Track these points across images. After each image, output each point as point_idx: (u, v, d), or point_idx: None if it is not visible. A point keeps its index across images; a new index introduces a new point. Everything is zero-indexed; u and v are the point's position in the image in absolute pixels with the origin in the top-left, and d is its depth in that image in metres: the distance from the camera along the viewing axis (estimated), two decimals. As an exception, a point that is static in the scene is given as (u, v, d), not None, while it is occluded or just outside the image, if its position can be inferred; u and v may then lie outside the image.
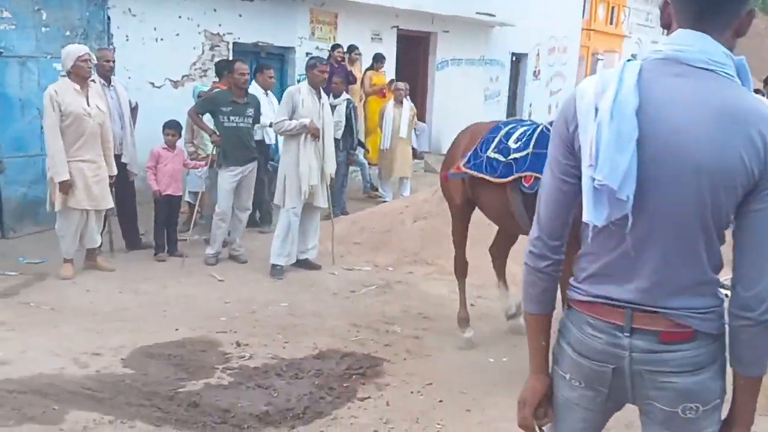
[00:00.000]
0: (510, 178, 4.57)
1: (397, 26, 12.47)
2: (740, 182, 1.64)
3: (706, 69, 1.66)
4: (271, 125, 7.23)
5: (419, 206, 7.90)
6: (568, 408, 1.94)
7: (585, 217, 1.74)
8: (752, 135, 1.61)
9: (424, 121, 13.40)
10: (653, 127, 1.66)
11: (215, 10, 9.72)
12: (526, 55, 16.65)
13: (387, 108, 10.12)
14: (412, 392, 4.38)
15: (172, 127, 7.11)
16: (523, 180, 4.53)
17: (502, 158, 4.65)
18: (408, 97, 12.34)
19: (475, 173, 4.82)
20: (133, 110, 7.16)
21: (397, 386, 4.46)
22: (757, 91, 7.87)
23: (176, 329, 5.22)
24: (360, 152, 10.18)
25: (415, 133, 12.48)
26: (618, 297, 1.79)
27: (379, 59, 11.52)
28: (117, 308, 5.65)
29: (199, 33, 9.63)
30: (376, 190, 10.58)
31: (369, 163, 10.87)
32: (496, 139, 4.75)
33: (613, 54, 25.33)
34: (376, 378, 4.57)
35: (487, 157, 4.74)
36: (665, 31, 1.81)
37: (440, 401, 4.27)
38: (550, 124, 4.65)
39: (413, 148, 12.63)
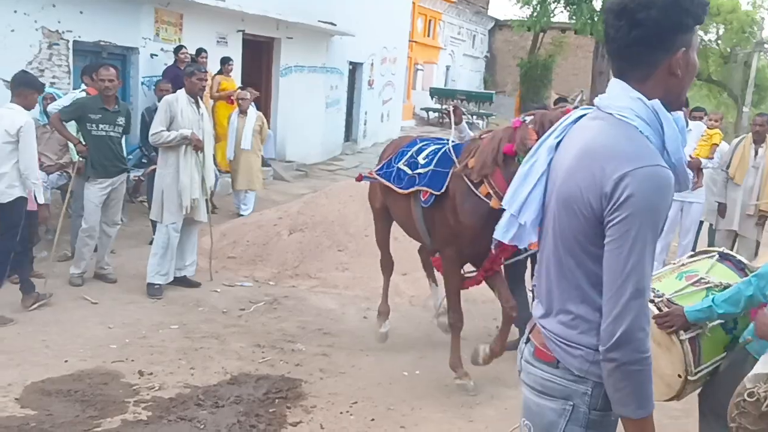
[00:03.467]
0: (410, 190, 4.79)
1: (243, 30, 12.18)
2: (578, 209, 1.75)
3: (609, 113, 1.80)
4: None
5: (294, 218, 7.80)
6: None
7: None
8: (594, 169, 1.72)
9: (269, 128, 13.20)
10: (555, 164, 1.90)
11: (54, 6, 8.89)
12: (362, 64, 16.96)
13: (232, 117, 9.80)
14: (341, 413, 4.34)
15: (29, 135, 6.42)
16: (420, 194, 4.73)
17: (409, 171, 4.87)
18: (253, 103, 12.15)
19: (384, 182, 5.05)
20: None
21: (325, 407, 4.40)
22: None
23: (65, 360, 4.76)
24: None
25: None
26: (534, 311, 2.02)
27: (227, 62, 11.20)
28: (-13, 340, 5.03)
29: (36, 30, 8.75)
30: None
31: (220, 171, 10.48)
32: (409, 153, 4.96)
33: (432, 65, 26.59)
34: (299, 400, 4.48)
35: (398, 168, 4.95)
36: None
37: (372, 420, 4.27)
38: (454, 145, 4.90)
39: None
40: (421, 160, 4.91)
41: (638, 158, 1.68)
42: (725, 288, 3.18)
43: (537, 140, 4.26)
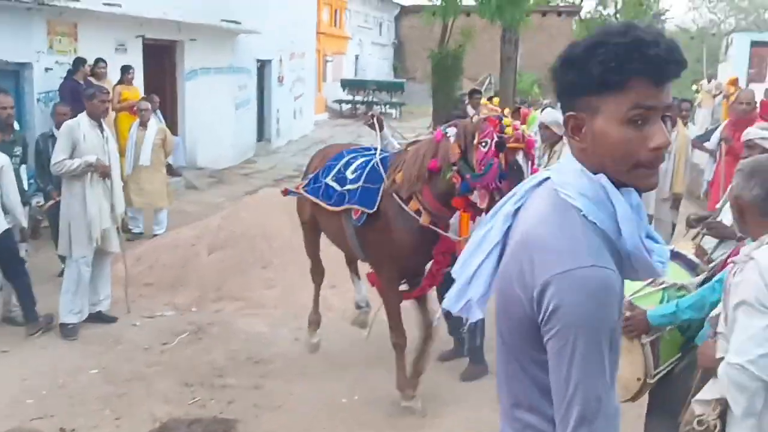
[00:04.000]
0: (341, 208, 4.65)
1: (143, 35, 11.65)
2: (513, 309, 1.51)
3: (555, 189, 1.53)
4: None
5: (213, 235, 7.49)
6: None
7: None
8: (524, 265, 1.47)
9: (177, 134, 12.74)
10: (510, 238, 1.62)
11: (-65, 24, 8.26)
12: (270, 61, 16.58)
13: (132, 130, 9.03)
14: (281, 454, 4.17)
15: None
16: (352, 212, 4.60)
17: (338, 187, 4.74)
18: (158, 110, 11.63)
19: (312, 198, 4.89)
20: None
21: (263, 450, 4.21)
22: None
23: (-23, 425, 4.39)
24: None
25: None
26: None
27: (127, 71, 10.67)
28: None
29: None
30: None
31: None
32: (336, 167, 4.82)
33: (341, 56, 26.36)
34: (236, 444, 4.28)
35: (326, 183, 4.81)
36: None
37: (314, 458, 4.12)
38: (382, 157, 4.77)
39: (169, 165, 11.91)
40: (349, 174, 4.76)
41: (569, 257, 1.40)
42: (680, 288, 3.21)
43: (460, 154, 4.23)
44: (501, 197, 4.00)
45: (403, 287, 4.85)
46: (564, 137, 5.70)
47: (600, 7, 35.44)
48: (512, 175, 4.02)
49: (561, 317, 1.39)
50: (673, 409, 2.99)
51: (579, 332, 1.39)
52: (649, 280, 3.29)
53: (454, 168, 4.16)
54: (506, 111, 9.82)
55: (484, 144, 4.02)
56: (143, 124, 8.91)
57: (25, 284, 5.95)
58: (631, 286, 3.28)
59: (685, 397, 2.85)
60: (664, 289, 3.25)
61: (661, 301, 3.20)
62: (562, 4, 32.62)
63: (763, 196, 2.57)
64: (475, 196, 4.34)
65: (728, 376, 2.38)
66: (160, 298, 6.79)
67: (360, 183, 4.64)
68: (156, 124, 9.20)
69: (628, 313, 3.11)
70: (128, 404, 4.74)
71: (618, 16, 35.22)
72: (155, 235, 8.69)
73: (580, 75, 1.44)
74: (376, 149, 4.79)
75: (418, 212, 4.36)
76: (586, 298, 1.38)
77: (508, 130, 4.04)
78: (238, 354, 5.63)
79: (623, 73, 1.40)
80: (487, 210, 4.20)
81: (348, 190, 4.66)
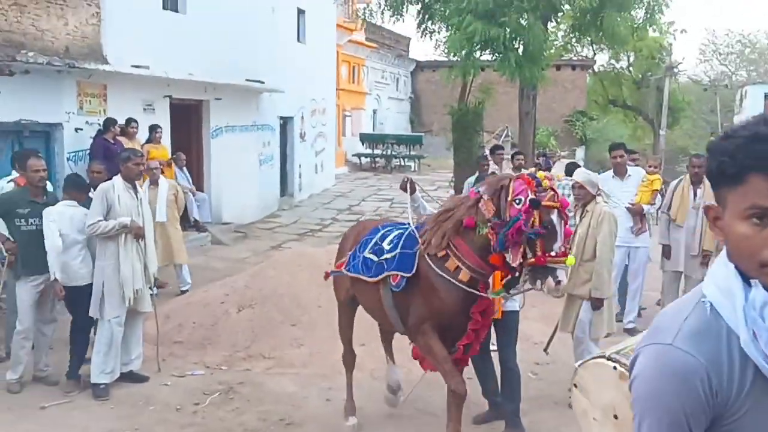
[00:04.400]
0: (380, 277, 4.64)
1: (170, 95, 11.89)
2: None
3: None
4: None
5: (242, 293, 7.51)
6: None
7: None
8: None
9: (203, 190, 12.93)
10: None
11: (-30, 87, 8.49)
12: (292, 118, 16.86)
13: (143, 189, 9.10)
14: None
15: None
16: (390, 278, 4.58)
17: (375, 258, 4.74)
18: (184, 168, 11.84)
19: (352, 275, 4.90)
20: None
21: None
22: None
23: (11, 491, 4.36)
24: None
25: (195, 204, 11.94)
26: None
27: (155, 130, 10.90)
28: None
29: (-47, 112, 8.33)
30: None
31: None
32: (373, 241, 4.84)
33: (359, 111, 26.71)
34: None
35: (363, 257, 4.80)
36: None
37: None
38: (417, 227, 4.77)
39: (196, 221, 12.06)
40: (386, 245, 4.77)
41: (658, 333, 1.41)
42: None
43: (494, 211, 4.23)
44: (533, 255, 4.01)
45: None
46: (596, 197, 5.70)
47: (613, 61, 35.77)
48: (546, 235, 4.02)
49: (634, 389, 1.43)
50: None
51: (645, 408, 1.39)
52: None
53: (489, 224, 4.17)
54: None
55: (518, 201, 4.04)
56: (154, 183, 8.98)
57: (86, 341, 6.16)
58: None
59: None
60: None
61: None
62: (575, 58, 32.87)
63: None
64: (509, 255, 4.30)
65: None
66: (191, 357, 6.78)
67: (397, 251, 4.64)
68: (166, 181, 9.26)
69: None
70: (162, 468, 4.70)
71: (631, 69, 35.58)
72: (183, 292, 8.72)
73: (711, 165, 1.41)
74: (409, 225, 4.81)
75: (457, 270, 4.34)
76: (653, 374, 1.38)
77: (545, 182, 4.06)
78: (270, 415, 5.58)
79: (738, 168, 1.34)
80: (520, 268, 4.17)
81: (386, 260, 4.66)
